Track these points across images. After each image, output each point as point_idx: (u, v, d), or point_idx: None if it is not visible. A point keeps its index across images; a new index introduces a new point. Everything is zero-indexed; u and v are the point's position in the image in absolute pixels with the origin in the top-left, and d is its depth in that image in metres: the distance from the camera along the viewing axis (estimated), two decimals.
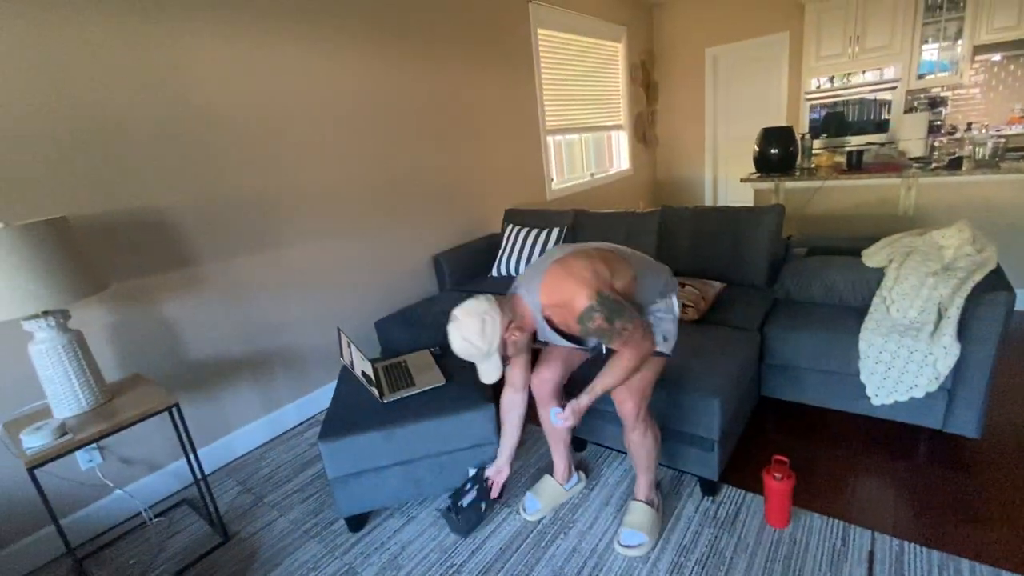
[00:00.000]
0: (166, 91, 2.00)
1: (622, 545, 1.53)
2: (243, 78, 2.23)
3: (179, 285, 2.10)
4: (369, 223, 2.83)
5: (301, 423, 2.56)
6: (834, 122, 4.79)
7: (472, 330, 1.32)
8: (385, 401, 1.76)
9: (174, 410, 1.66)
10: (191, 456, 1.72)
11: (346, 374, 1.99)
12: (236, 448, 2.34)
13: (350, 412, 1.77)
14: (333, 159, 2.63)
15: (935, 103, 4.41)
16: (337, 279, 2.69)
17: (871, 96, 4.57)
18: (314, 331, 2.60)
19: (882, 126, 4.55)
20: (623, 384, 1.45)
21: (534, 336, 1.51)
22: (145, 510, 1.99)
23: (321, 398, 2.66)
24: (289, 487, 2.08)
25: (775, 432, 2.06)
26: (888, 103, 4.49)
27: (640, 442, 1.54)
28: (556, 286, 1.35)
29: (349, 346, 1.87)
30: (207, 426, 2.24)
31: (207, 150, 2.14)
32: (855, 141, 4.66)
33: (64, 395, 1.61)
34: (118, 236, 1.92)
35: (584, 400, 1.43)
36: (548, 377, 1.66)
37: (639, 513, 1.59)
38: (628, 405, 1.48)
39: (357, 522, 1.79)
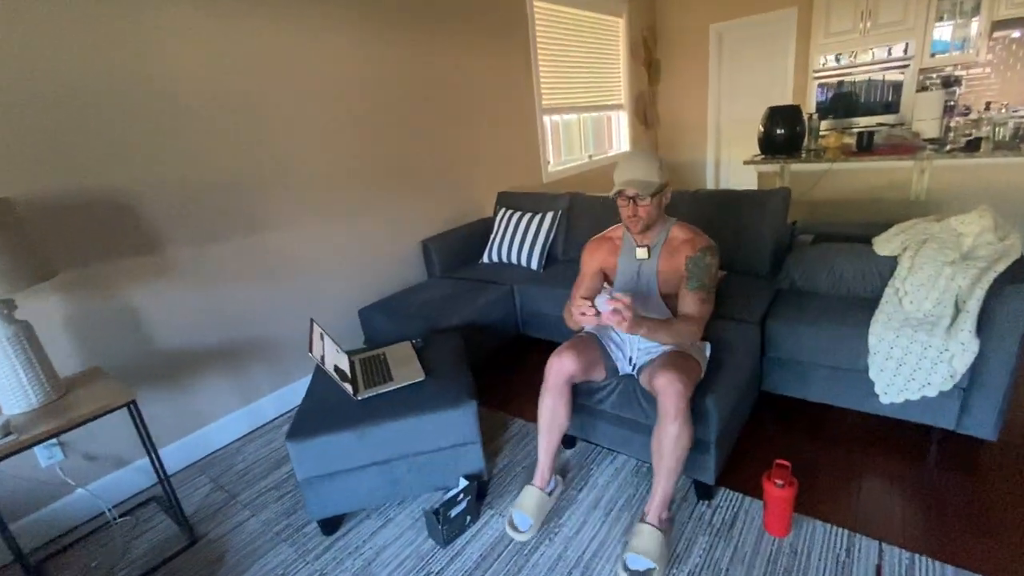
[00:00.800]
0: (127, 61, 1.84)
1: (628, 571, 1.38)
2: (214, 50, 2.07)
3: (145, 272, 1.97)
4: (353, 206, 2.69)
5: (280, 416, 2.45)
6: (842, 102, 4.60)
7: (657, 156, 1.52)
8: (359, 398, 1.64)
9: (132, 407, 1.55)
10: (153, 455, 1.60)
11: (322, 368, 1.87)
12: (211, 442, 2.23)
13: (322, 410, 1.65)
14: (315, 139, 2.47)
15: (948, 82, 4.21)
16: (319, 265, 2.56)
17: (880, 76, 4.38)
18: (294, 320, 2.47)
19: (892, 107, 4.35)
20: (671, 362, 1.44)
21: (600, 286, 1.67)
22: (109, 509, 1.89)
23: (301, 390, 2.55)
24: (263, 484, 1.98)
25: (776, 430, 1.95)
26: (899, 83, 4.29)
27: (676, 438, 1.40)
28: (688, 226, 1.59)
29: (322, 338, 1.75)
30: (179, 419, 2.13)
31: (174, 128, 1.99)
32: (863, 122, 4.47)
33: (11, 391, 1.49)
34: (73, 219, 1.78)
35: (644, 323, 1.39)
36: (569, 365, 1.60)
37: (647, 538, 1.42)
38: (676, 388, 1.38)
39: (331, 524, 1.68)
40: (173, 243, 2.04)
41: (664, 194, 1.53)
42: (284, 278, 2.42)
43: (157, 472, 1.66)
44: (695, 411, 1.52)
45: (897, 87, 4.31)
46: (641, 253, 1.61)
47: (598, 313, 1.36)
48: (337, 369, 1.67)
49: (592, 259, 1.72)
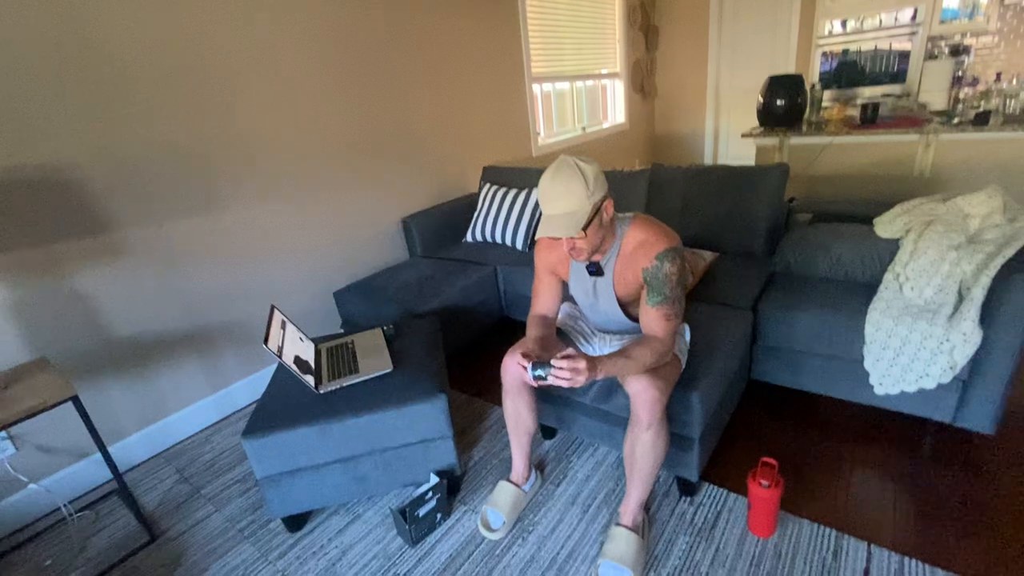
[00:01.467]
0: (59, 20, 1.67)
1: None
2: (163, 4, 1.88)
3: (96, 253, 1.84)
4: (328, 181, 2.53)
5: (251, 403, 2.36)
6: (846, 72, 4.39)
7: (585, 170, 1.18)
8: (321, 391, 1.54)
9: (76, 402, 1.44)
10: (103, 451, 1.51)
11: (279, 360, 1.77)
12: (178, 431, 2.14)
13: (283, 403, 1.55)
14: (287, 108, 2.30)
15: (957, 51, 4.01)
16: (291, 244, 2.42)
17: (887, 44, 4.16)
18: (264, 303, 2.35)
19: (898, 76, 4.16)
20: (643, 373, 1.26)
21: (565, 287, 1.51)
22: (65, 505, 1.81)
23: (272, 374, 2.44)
24: (229, 477, 1.89)
25: (763, 422, 1.87)
26: (905, 52, 4.08)
27: (651, 445, 1.30)
28: (646, 223, 1.32)
29: (283, 326, 1.64)
30: (143, 408, 2.03)
31: (120, 96, 1.83)
32: (868, 92, 4.28)
33: None
34: (11, 198, 1.64)
35: (601, 368, 1.17)
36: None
37: (623, 543, 1.34)
38: (650, 394, 1.25)
39: (296, 522, 1.61)
40: (125, 222, 1.90)
41: (602, 212, 1.22)
42: (252, 258, 2.29)
43: (110, 467, 1.56)
44: (678, 405, 1.42)
45: (904, 56, 4.11)
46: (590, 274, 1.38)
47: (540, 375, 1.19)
48: (298, 360, 1.57)
49: (546, 259, 1.46)
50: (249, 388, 2.35)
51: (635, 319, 1.44)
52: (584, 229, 1.17)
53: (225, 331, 2.24)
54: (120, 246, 1.89)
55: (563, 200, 1.16)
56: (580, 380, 1.15)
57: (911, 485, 1.52)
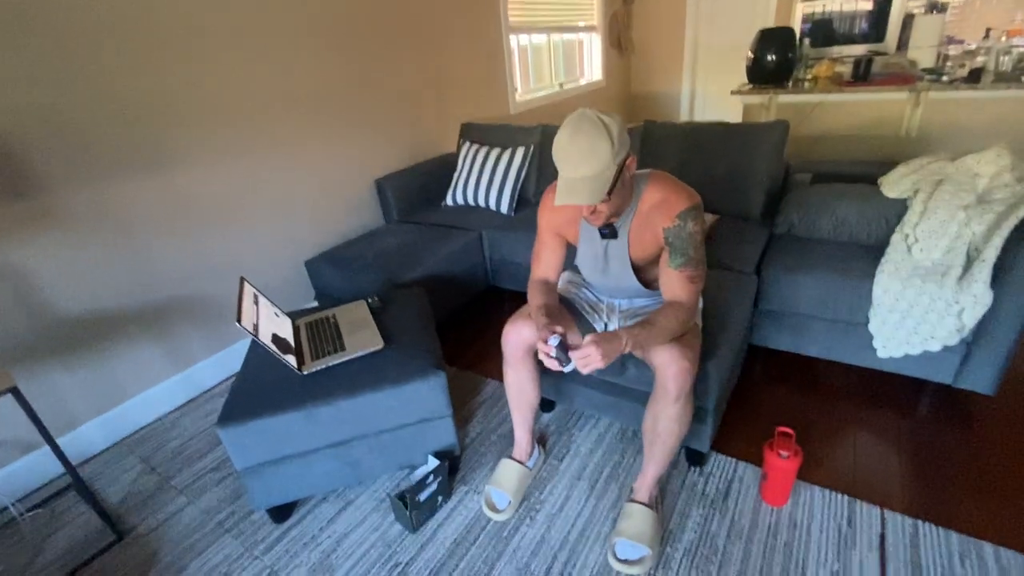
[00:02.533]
0: None
1: (619, 560, 1.24)
2: None
3: (28, 221, 1.59)
4: (296, 140, 2.28)
5: (220, 382, 2.17)
6: (822, 30, 4.31)
7: (609, 125, 1.04)
8: (305, 372, 1.39)
9: (15, 393, 1.25)
10: (51, 444, 1.32)
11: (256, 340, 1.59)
12: (140, 416, 1.95)
13: (261, 386, 1.39)
14: (248, 59, 2.02)
15: (936, 6, 3.98)
16: (256, 209, 2.19)
17: (852, 4, 4.08)
18: (229, 274, 2.14)
19: (870, 35, 4.09)
20: (672, 342, 1.17)
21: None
22: (13, 504, 1.62)
23: (243, 352, 2.26)
24: (202, 465, 1.74)
25: (764, 387, 1.84)
26: (884, 9, 4.02)
27: (676, 419, 1.23)
28: (665, 180, 1.20)
29: (256, 301, 1.46)
30: (99, 392, 1.83)
31: (50, 39, 1.53)
32: (847, 51, 4.22)
33: None
34: None
35: (630, 340, 1.07)
36: (527, 333, 1.34)
37: (639, 519, 1.28)
38: (681, 365, 1.15)
39: (282, 512, 1.48)
40: (60, 185, 1.64)
41: (626, 172, 1.09)
42: (212, 225, 2.05)
43: (60, 459, 1.38)
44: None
45: (883, 13, 4.05)
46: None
47: (565, 361, 1.10)
48: (276, 338, 1.40)
49: (551, 219, 1.33)
50: (217, 367, 2.16)
51: (648, 285, 1.34)
52: (609, 193, 1.05)
53: (186, 306, 2.02)
54: (54, 212, 1.64)
55: (587, 162, 1.02)
56: (598, 363, 1.05)
57: (916, 447, 1.52)
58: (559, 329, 1.13)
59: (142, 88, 1.77)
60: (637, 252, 1.25)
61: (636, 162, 1.13)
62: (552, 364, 1.12)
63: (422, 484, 1.39)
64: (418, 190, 2.80)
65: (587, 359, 1.05)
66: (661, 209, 1.16)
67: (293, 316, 1.70)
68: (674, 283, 1.18)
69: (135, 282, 1.86)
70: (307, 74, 2.29)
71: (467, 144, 2.77)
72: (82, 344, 1.76)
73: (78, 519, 1.58)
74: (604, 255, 1.30)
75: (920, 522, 1.28)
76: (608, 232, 1.23)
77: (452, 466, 1.58)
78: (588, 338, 1.06)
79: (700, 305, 1.43)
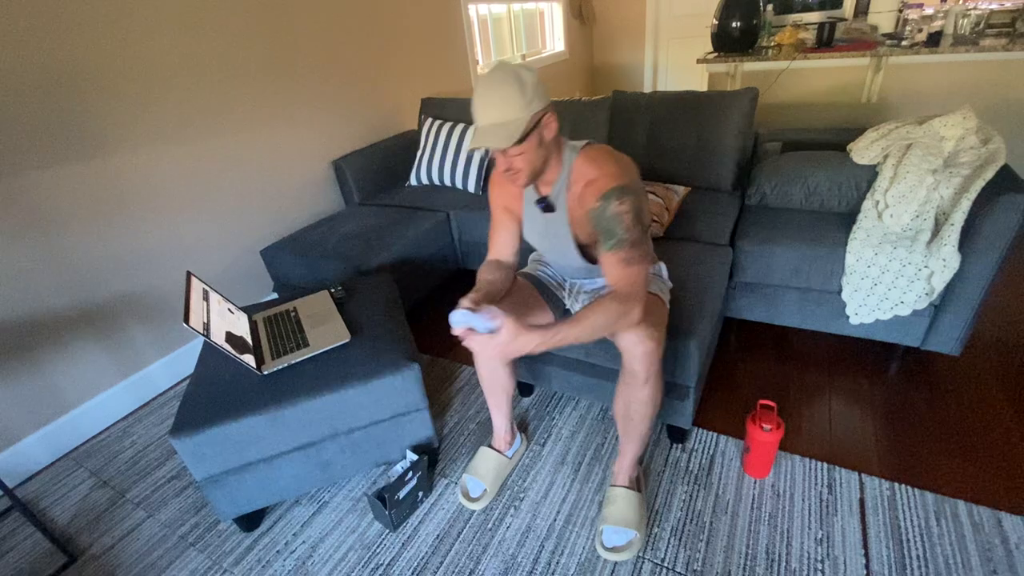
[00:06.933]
0: None
1: (607, 548, 1.21)
2: None
3: None
4: (244, 118, 2.11)
5: (174, 385, 2.03)
6: None
7: (522, 75, 1.00)
8: (265, 372, 1.29)
9: None
10: None
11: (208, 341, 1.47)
12: (87, 426, 1.80)
13: (217, 390, 1.29)
14: (191, 24, 1.83)
15: None
16: (203, 195, 2.02)
17: None
18: (176, 268, 1.98)
19: (828, 3, 4.10)
20: (625, 328, 1.09)
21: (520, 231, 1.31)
22: None
23: (198, 350, 2.11)
24: (160, 474, 1.62)
25: (739, 359, 1.84)
26: None
27: (647, 401, 1.18)
28: (597, 156, 1.12)
29: (206, 297, 1.34)
30: (37, 404, 1.68)
31: None
32: (806, 19, 4.23)
33: None
34: None
35: (538, 339, 1.00)
36: None
37: (623, 503, 1.26)
38: (646, 347, 1.10)
39: (250, 520, 1.39)
40: None
41: (543, 126, 1.04)
42: (151, 214, 1.88)
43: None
44: (673, 354, 1.32)
45: None
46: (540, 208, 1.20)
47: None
48: (231, 337, 1.29)
49: (498, 195, 1.28)
50: (170, 368, 2.02)
51: (596, 263, 1.28)
52: (520, 143, 1.00)
53: (129, 304, 1.86)
54: None
55: (496, 108, 0.99)
56: (493, 352, 1.01)
57: (888, 411, 1.55)
58: (464, 302, 1.09)
59: (65, 61, 1.57)
60: (579, 230, 1.20)
61: (557, 124, 1.05)
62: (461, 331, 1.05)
63: (401, 481, 1.32)
64: (380, 170, 2.66)
65: (481, 347, 1.02)
66: (590, 189, 1.10)
67: (250, 311, 1.58)
68: (608, 266, 1.10)
69: (65, 280, 1.69)
70: (250, 42, 2.10)
71: (429, 120, 2.64)
72: (10, 353, 1.60)
73: (23, 543, 1.45)
74: (546, 231, 1.24)
75: (897, 484, 1.31)
76: (544, 205, 1.18)
77: (431, 459, 1.52)
78: (506, 326, 0.99)
79: (666, 277, 1.38)
